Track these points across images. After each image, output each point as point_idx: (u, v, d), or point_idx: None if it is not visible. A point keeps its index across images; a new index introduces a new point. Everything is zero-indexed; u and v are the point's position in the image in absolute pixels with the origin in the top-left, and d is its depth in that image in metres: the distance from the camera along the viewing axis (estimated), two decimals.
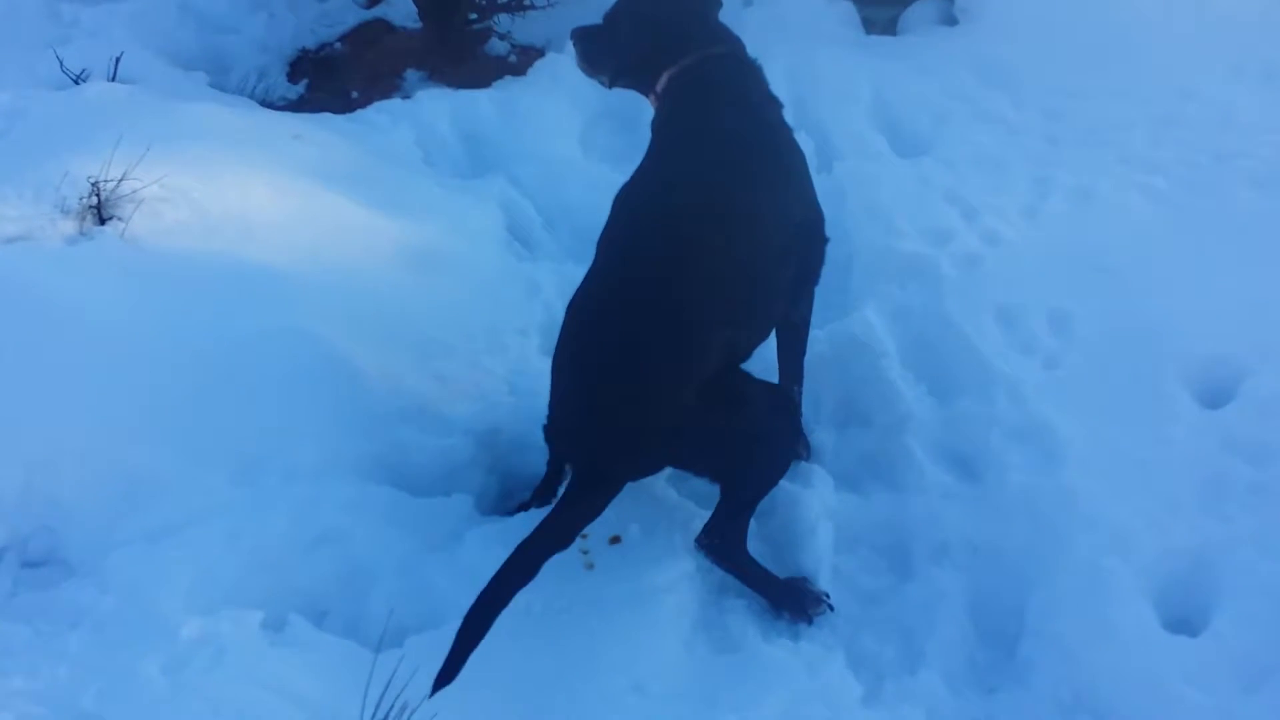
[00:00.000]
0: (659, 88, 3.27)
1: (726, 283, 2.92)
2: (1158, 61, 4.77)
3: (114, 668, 2.62)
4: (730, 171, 3.02)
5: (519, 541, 2.76)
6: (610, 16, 3.43)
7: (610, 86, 3.47)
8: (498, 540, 3.10)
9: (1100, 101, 4.65)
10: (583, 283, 3.07)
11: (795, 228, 3.15)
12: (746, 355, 3.12)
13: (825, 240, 3.30)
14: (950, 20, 5.41)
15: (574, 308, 3.05)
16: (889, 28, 5.60)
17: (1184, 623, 2.93)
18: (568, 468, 3.22)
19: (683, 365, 2.85)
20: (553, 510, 2.86)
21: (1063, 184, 4.24)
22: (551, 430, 3.10)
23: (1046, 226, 4.08)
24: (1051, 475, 3.24)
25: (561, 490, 3.28)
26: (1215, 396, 3.38)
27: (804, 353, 3.45)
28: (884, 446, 3.53)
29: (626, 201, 3.12)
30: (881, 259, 4.03)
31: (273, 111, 5.05)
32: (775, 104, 3.26)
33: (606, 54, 3.42)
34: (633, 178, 3.17)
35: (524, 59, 5.59)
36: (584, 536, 3.01)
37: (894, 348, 3.74)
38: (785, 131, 3.25)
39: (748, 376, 3.06)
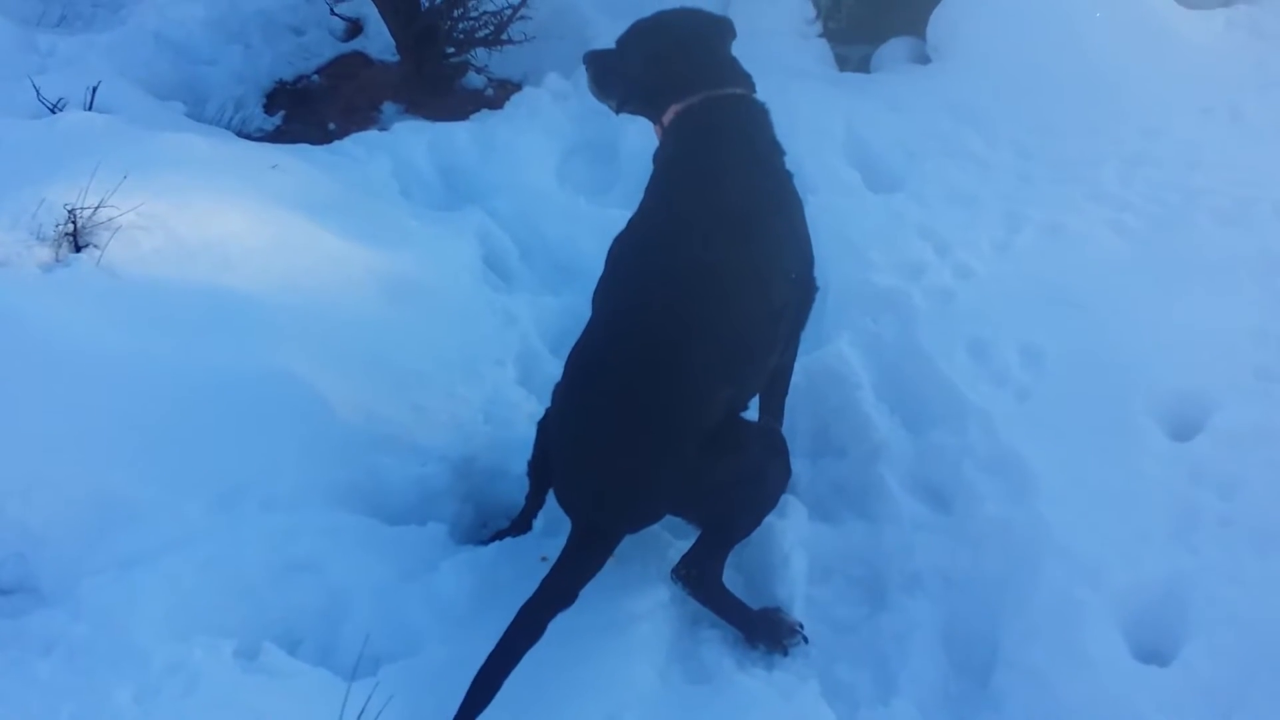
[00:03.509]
0: (665, 120, 3.23)
1: (726, 342, 2.91)
2: (1128, 101, 4.85)
3: (86, 696, 2.60)
4: (731, 226, 2.97)
5: (523, 602, 2.76)
6: (622, 43, 3.40)
7: (618, 112, 3.45)
8: (472, 569, 3.12)
9: (1071, 139, 4.71)
10: (582, 337, 3.05)
11: (793, 283, 3.14)
12: (744, 407, 3.14)
13: (816, 289, 3.29)
14: (923, 58, 5.48)
15: (574, 365, 3.03)
16: (862, 65, 5.68)
17: (1155, 653, 2.94)
18: (546, 498, 3.24)
19: (685, 425, 2.84)
20: (553, 569, 2.85)
21: (1034, 220, 4.29)
22: (553, 487, 3.09)
23: (1018, 261, 4.13)
24: (1023, 506, 3.25)
25: (538, 520, 3.32)
26: (1184, 429, 3.41)
27: (786, 393, 3.45)
28: (858, 477, 3.56)
29: (625, 254, 3.09)
30: (855, 292, 4.07)
31: (250, 142, 5.06)
32: (779, 151, 3.21)
33: (617, 80, 3.39)
34: (631, 225, 3.14)
35: (501, 93, 5.63)
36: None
37: (867, 379, 3.77)
38: (787, 181, 3.20)
39: (743, 421, 3.07)
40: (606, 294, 3.08)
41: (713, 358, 2.88)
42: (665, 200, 3.12)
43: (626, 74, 3.35)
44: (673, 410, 2.84)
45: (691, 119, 3.18)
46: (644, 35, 3.36)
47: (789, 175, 3.22)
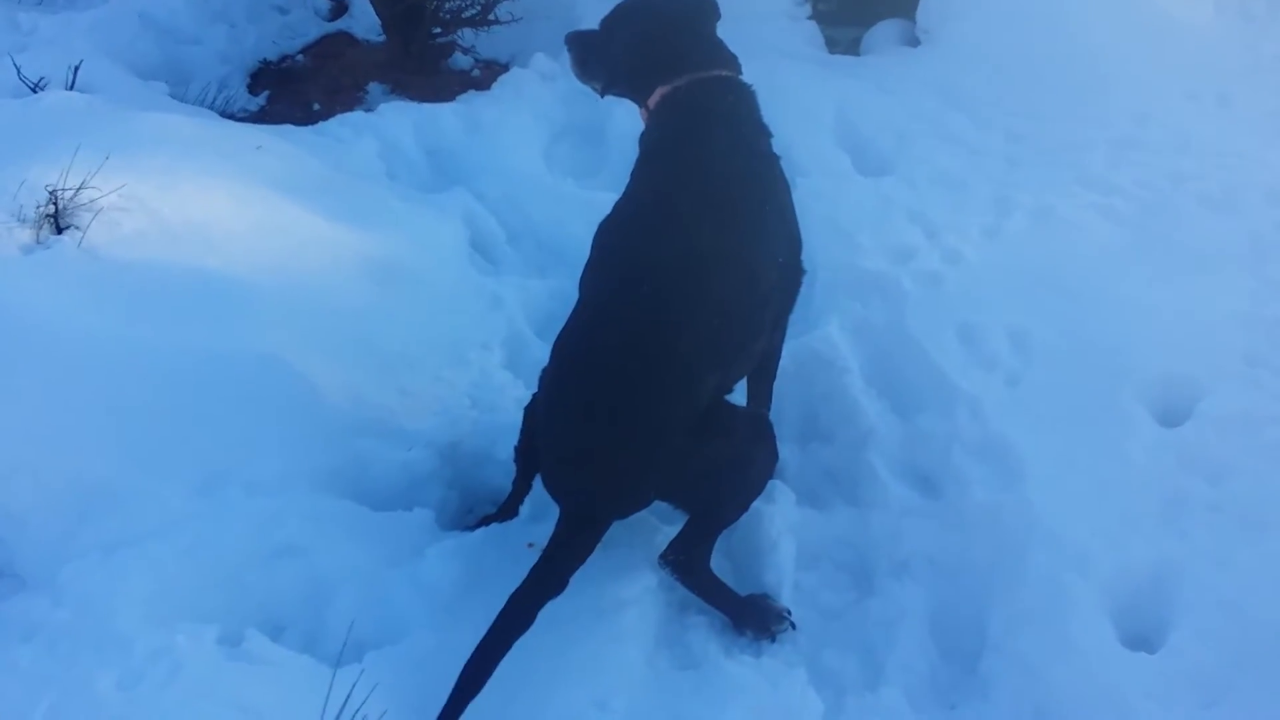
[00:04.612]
0: (651, 103, 3.20)
1: (714, 328, 2.89)
2: (1117, 86, 4.84)
3: (67, 682, 2.58)
4: (719, 213, 2.95)
5: (510, 588, 2.76)
6: (606, 24, 3.36)
7: (603, 95, 3.41)
8: (459, 556, 3.11)
9: (1060, 124, 4.71)
10: (569, 322, 3.03)
11: (780, 267, 3.12)
12: (730, 390, 3.12)
13: (803, 272, 3.26)
14: (913, 41, 5.46)
15: (561, 350, 3.01)
16: (852, 48, 5.66)
17: (1143, 639, 2.95)
18: (533, 483, 3.22)
19: (673, 411, 2.83)
20: (543, 557, 2.84)
21: (1023, 204, 4.28)
22: (540, 473, 3.08)
23: (1007, 246, 4.12)
24: (1012, 492, 3.25)
25: (525, 506, 3.30)
26: (1173, 415, 3.42)
27: (774, 378, 3.42)
28: (846, 462, 3.55)
29: (612, 238, 3.06)
30: (844, 276, 4.05)
31: (234, 122, 5.01)
32: (765, 134, 3.18)
33: (601, 62, 3.35)
34: (617, 209, 3.11)
35: (488, 73, 5.59)
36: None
37: (856, 364, 3.76)
38: (774, 165, 3.17)
39: (731, 406, 3.06)
40: (593, 279, 3.06)
41: (700, 343, 2.86)
42: (651, 184, 3.10)
43: (610, 56, 3.31)
44: (660, 396, 2.82)
45: (677, 101, 3.15)
46: (628, 16, 3.33)
47: (776, 158, 3.20)
